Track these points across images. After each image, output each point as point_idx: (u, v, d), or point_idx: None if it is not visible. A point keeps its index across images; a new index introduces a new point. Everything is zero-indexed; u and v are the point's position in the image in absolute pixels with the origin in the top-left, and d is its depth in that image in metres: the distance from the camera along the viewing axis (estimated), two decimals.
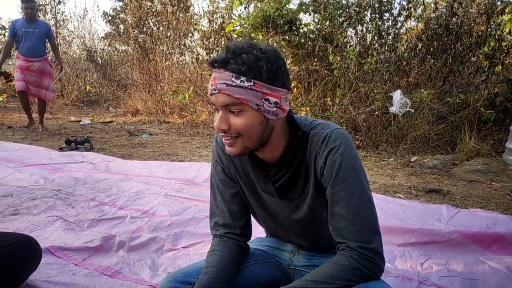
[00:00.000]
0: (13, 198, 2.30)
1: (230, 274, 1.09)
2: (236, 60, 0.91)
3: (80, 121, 6.36)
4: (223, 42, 6.41)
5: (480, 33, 4.75)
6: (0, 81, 5.59)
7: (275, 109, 0.95)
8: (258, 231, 1.34)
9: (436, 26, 4.71)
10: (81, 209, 2.20)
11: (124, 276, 1.53)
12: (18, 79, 5.02)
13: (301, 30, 4.93)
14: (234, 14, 6.00)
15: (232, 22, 5.63)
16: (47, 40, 5.19)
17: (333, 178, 0.97)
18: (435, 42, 4.78)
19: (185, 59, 7.55)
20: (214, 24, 6.62)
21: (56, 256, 1.64)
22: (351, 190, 0.96)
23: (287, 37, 4.83)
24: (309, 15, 5.15)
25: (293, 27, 4.86)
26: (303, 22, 5.00)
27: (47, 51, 5.34)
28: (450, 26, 4.69)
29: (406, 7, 4.94)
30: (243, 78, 0.91)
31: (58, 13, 9.91)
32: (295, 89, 5.03)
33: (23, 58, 4.95)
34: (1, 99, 7.85)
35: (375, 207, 0.99)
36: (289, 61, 4.97)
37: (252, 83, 0.91)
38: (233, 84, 0.91)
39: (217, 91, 0.93)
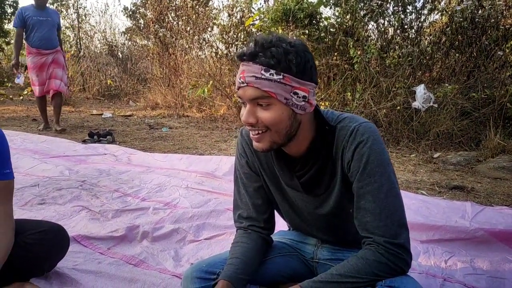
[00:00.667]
0: (40, 188, 2.37)
1: (255, 266, 1.10)
2: (265, 53, 0.90)
3: (101, 114, 6.48)
4: (242, 37, 6.39)
5: (507, 26, 4.59)
6: (23, 74, 5.59)
7: (303, 103, 0.95)
8: (280, 224, 1.35)
9: (461, 19, 4.57)
10: (105, 200, 2.25)
11: (148, 266, 1.56)
12: (34, 84, 4.68)
13: (321, 24, 4.87)
14: (253, 8, 5.97)
15: (251, 16, 5.60)
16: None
17: (360, 172, 0.96)
18: (460, 36, 4.64)
19: (205, 54, 7.58)
20: (233, 18, 6.61)
21: (82, 245, 1.68)
22: (378, 184, 0.95)
23: (307, 31, 4.78)
24: (330, 8, 5.09)
25: (314, 21, 4.80)
26: (323, 16, 4.94)
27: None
28: (476, 19, 4.55)
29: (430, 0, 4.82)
30: (272, 71, 0.90)
31: (80, 7, 10.09)
32: None
33: (35, 51, 4.54)
34: (26, 92, 8.05)
35: (402, 202, 0.98)
36: None
37: (281, 76, 0.91)
38: (262, 77, 0.90)
39: (245, 84, 0.93)
